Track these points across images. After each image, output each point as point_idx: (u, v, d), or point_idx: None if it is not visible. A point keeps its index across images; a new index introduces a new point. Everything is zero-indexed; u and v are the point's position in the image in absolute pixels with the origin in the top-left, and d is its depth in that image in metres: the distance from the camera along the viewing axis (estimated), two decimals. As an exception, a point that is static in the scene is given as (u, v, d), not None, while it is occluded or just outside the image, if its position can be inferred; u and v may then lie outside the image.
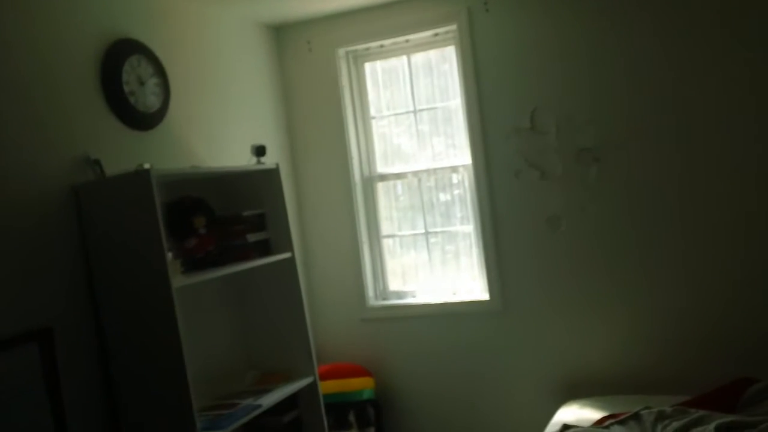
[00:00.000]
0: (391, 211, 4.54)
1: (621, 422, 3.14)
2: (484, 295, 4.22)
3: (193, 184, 3.50)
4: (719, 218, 3.68)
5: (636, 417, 3.15)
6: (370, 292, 4.47)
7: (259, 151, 3.63)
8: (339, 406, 4.13)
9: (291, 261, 3.72)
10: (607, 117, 3.84)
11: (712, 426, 2.84)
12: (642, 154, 3.79)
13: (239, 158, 3.82)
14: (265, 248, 3.67)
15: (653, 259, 3.81)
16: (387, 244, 4.54)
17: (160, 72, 3.43)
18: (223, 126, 3.90)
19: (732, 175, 3.64)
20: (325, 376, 4.12)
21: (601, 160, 3.87)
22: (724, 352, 3.66)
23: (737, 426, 2.82)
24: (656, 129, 3.75)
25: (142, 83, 3.30)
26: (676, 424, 2.97)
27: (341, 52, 4.39)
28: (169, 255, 2.93)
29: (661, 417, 3.08)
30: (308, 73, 4.45)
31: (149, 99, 3.35)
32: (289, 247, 3.72)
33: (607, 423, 3.17)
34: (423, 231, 4.45)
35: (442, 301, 4.32)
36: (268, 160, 3.74)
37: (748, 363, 3.54)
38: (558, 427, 3.12)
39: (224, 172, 3.57)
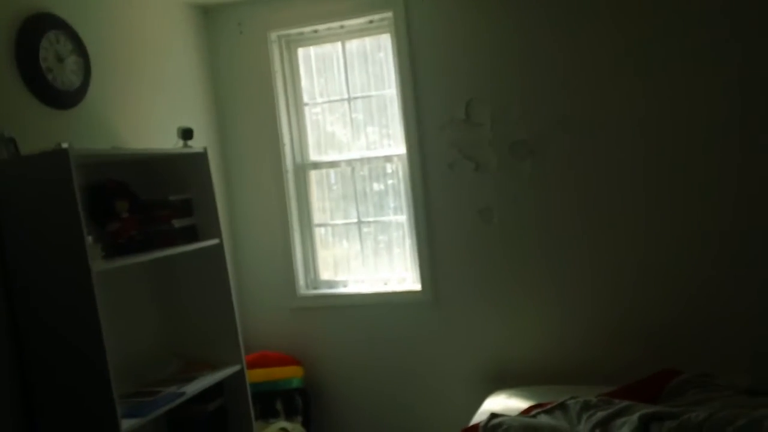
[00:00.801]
0: (324, 200, 4.48)
1: (547, 411, 3.15)
2: (416, 286, 4.20)
3: (116, 168, 3.39)
4: (649, 209, 3.72)
5: (562, 406, 3.17)
6: (301, 281, 4.41)
7: (186, 134, 3.53)
8: (267, 394, 4.06)
9: (219, 247, 3.64)
10: (542, 110, 3.85)
11: (636, 416, 2.86)
12: (575, 147, 3.81)
13: (165, 141, 3.70)
14: (191, 234, 3.57)
15: (582, 252, 3.85)
16: (319, 232, 4.48)
17: (81, 49, 3.30)
18: (148, 108, 3.78)
19: (661, 167, 3.69)
20: (253, 365, 4.05)
21: (535, 153, 3.88)
22: (649, 345, 3.71)
23: (660, 416, 2.85)
24: (589, 122, 3.78)
25: (60, 60, 3.16)
26: (601, 414, 2.99)
27: (273, 36, 4.30)
28: (89, 239, 2.82)
29: (586, 407, 3.10)
30: (239, 56, 4.35)
31: (68, 77, 3.21)
32: (216, 233, 3.63)
33: (533, 412, 3.17)
34: (356, 220, 4.40)
35: (373, 291, 4.29)
36: (196, 144, 3.64)
37: (674, 355, 3.60)
38: (485, 416, 3.12)
39: (148, 155, 3.45)
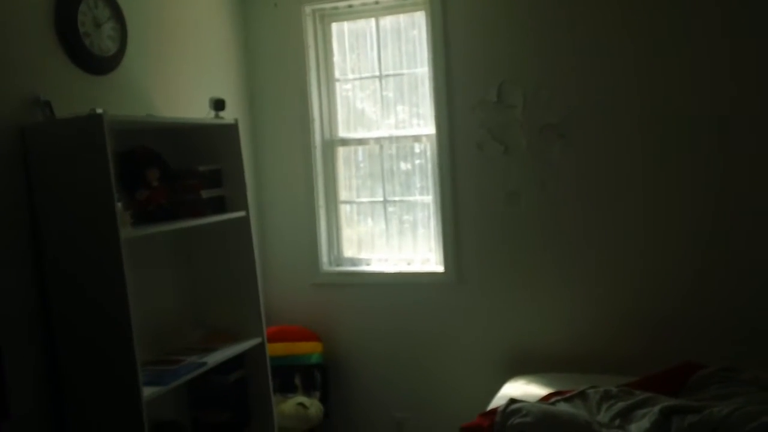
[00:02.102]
0: (351, 177, 4.47)
1: (567, 399, 3.14)
2: (439, 267, 4.19)
3: (147, 135, 3.39)
4: (679, 200, 3.68)
5: (582, 395, 3.17)
6: (324, 257, 4.41)
7: (218, 104, 3.52)
8: (285, 369, 4.09)
9: (245, 220, 3.64)
10: (575, 94, 3.81)
11: (657, 408, 2.85)
12: (607, 133, 3.78)
13: (197, 111, 3.69)
14: (219, 205, 3.58)
15: (610, 240, 3.82)
16: (344, 209, 4.48)
17: (118, 16, 3.29)
18: (181, 77, 3.78)
19: (695, 156, 3.64)
20: (273, 339, 4.07)
21: (565, 137, 3.85)
22: (674, 337, 3.69)
23: (681, 409, 2.84)
24: (622, 109, 3.74)
25: (98, 26, 3.16)
26: (621, 405, 2.98)
27: (308, 9, 4.27)
28: (119, 205, 2.84)
29: (606, 397, 3.10)
30: (273, 29, 4.33)
31: (105, 43, 3.21)
32: (243, 205, 3.63)
33: (553, 399, 3.17)
34: (381, 199, 4.39)
35: (396, 271, 4.29)
36: (227, 115, 3.63)
37: (698, 348, 3.57)
38: (504, 401, 3.11)
39: (181, 123, 3.44)
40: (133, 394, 2.84)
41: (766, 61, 3.49)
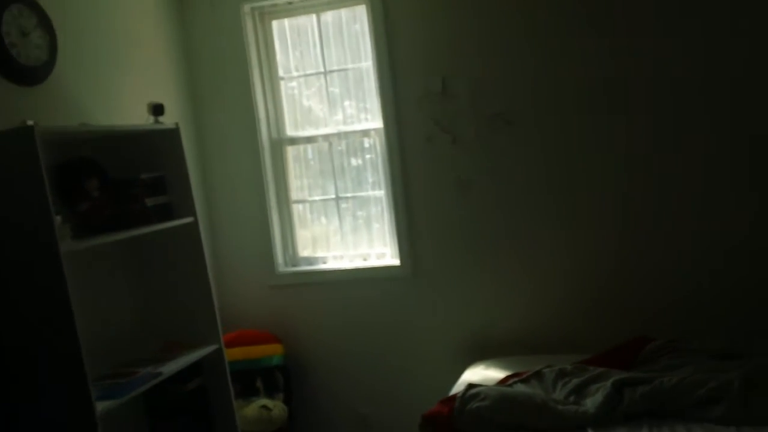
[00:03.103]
0: (302, 176, 4.44)
1: (524, 380, 3.20)
2: (394, 261, 4.19)
3: (86, 146, 3.33)
4: (625, 180, 3.72)
5: (538, 375, 3.22)
6: (280, 258, 4.38)
7: (157, 109, 3.47)
8: (246, 372, 4.05)
9: (194, 226, 3.59)
10: (519, 82, 3.83)
11: (609, 382, 2.92)
12: (551, 118, 3.80)
13: (137, 118, 3.63)
14: (165, 212, 3.53)
15: (560, 223, 3.84)
16: (297, 209, 4.45)
17: (46, 24, 3.22)
18: (118, 83, 3.71)
19: (640, 140, 3.68)
20: (232, 343, 4.03)
21: (512, 125, 3.85)
22: (624, 313, 3.74)
23: (633, 382, 2.91)
24: (567, 95, 3.76)
25: (24, 35, 3.09)
26: (576, 381, 3.04)
27: (247, 8, 4.22)
28: (58, 218, 2.78)
29: (561, 375, 3.16)
30: (212, 29, 4.28)
31: (33, 52, 3.14)
32: (191, 211, 3.58)
33: (510, 381, 3.22)
34: (334, 196, 4.37)
35: (352, 267, 4.27)
36: (168, 120, 3.58)
37: (647, 322, 3.63)
38: (463, 386, 3.13)
39: (118, 131, 3.39)
40: (86, 409, 2.79)
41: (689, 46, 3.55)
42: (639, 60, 3.63)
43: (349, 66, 4.26)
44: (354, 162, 4.33)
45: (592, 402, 2.85)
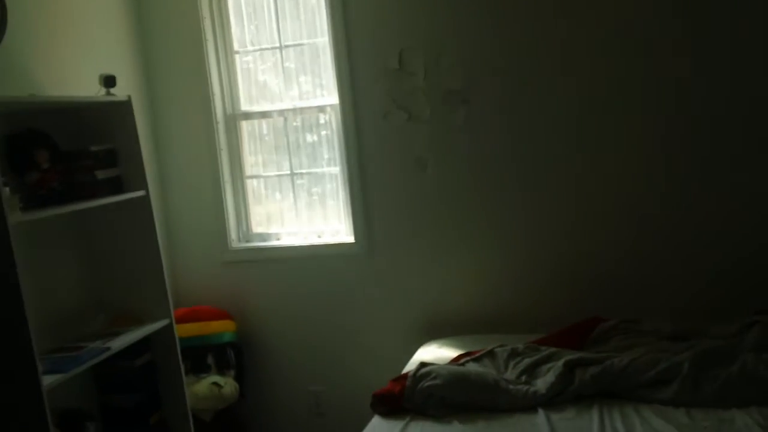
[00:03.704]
0: (256, 151, 4.40)
1: (476, 359, 3.21)
2: (349, 238, 4.17)
3: (36, 117, 3.25)
4: (582, 158, 3.74)
5: (490, 354, 3.24)
6: (233, 234, 4.34)
7: (108, 81, 3.39)
8: (197, 349, 4.00)
9: (145, 199, 3.54)
10: (475, 59, 3.81)
11: (561, 362, 2.94)
12: (508, 95, 3.79)
13: (88, 90, 3.54)
14: (116, 186, 3.47)
15: (516, 201, 3.86)
16: (251, 184, 4.41)
17: (-5, -8, 3.12)
18: (69, 55, 3.62)
19: (593, 114, 3.70)
20: (183, 319, 3.99)
21: (469, 102, 3.86)
22: (578, 293, 3.76)
23: (584, 362, 2.94)
24: (524, 71, 3.76)
25: (-28, 2, 3.00)
26: (527, 361, 3.07)
27: (202, -21, 4.16)
28: (6, 190, 2.72)
29: (513, 354, 3.18)
30: (166, 1, 4.19)
31: (-20, 21, 3.05)
32: (142, 184, 3.53)
33: (462, 360, 3.23)
34: (289, 172, 4.34)
35: (307, 244, 4.25)
36: (120, 92, 3.50)
37: (601, 303, 3.66)
38: (415, 365, 3.14)
39: (68, 103, 3.31)
40: (32, 383, 2.73)
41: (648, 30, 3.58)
42: (601, 39, 3.64)
43: (305, 41, 4.21)
44: (309, 138, 4.30)
45: (543, 382, 2.89)
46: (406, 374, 3.09)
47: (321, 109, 4.21)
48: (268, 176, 4.38)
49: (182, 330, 3.85)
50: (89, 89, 3.53)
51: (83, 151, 3.33)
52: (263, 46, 4.28)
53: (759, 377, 2.68)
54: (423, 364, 3.11)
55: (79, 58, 3.69)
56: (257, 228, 4.42)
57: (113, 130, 3.50)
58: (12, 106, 3.06)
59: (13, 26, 3.21)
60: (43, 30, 3.47)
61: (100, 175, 3.35)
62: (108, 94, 3.43)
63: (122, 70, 3.93)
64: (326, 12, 4.04)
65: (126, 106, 3.48)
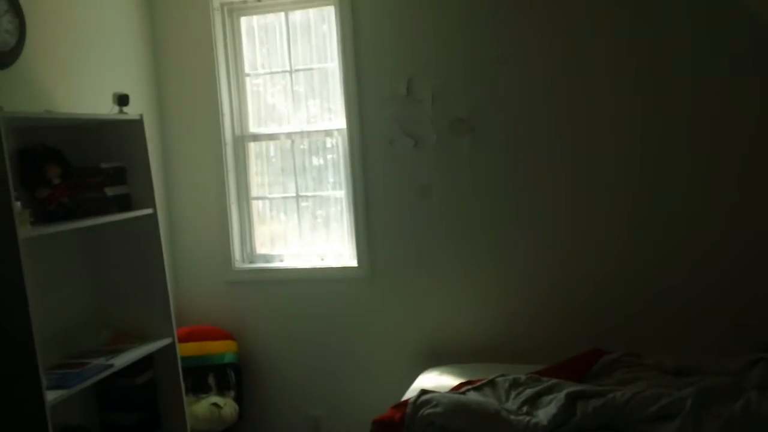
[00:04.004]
0: (263, 172, 4.43)
1: (477, 388, 3.20)
2: (352, 262, 4.19)
3: (49, 132, 3.28)
4: (587, 193, 3.78)
5: (492, 384, 3.23)
6: (237, 254, 4.36)
7: (122, 100, 3.43)
8: (198, 369, 4.01)
9: (152, 217, 3.57)
10: (484, 88, 3.87)
11: (563, 393, 2.93)
12: (513, 126, 3.85)
13: (101, 107, 3.59)
14: (124, 203, 3.50)
15: (520, 233, 3.89)
16: (256, 205, 4.43)
17: (16, 9, 3.16)
18: (84, 72, 3.66)
19: (605, 150, 3.74)
20: (185, 338, 4.00)
21: (474, 131, 3.90)
22: (581, 326, 3.79)
23: (586, 394, 2.93)
24: (530, 101, 3.81)
25: (-6, 19, 3.04)
26: (529, 391, 3.06)
27: (216, 3, 4.21)
28: (18, 204, 2.73)
29: (515, 384, 3.17)
30: (181, 23, 4.24)
31: (2, 36, 3.08)
32: (150, 203, 3.56)
33: (463, 389, 3.22)
34: (294, 194, 4.37)
35: (310, 267, 4.26)
36: (132, 111, 3.54)
37: (603, 336, 3.68)
38: (416, 392, 3.14)
39: (82, 120, 3.34)
40: (36, 398, 2.74)
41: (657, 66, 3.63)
42: (606, 76, 3.71)
43: (315, 66, 4.26)
44: (315, 161, 4.34)
45: (544, 413, 2.88)
46: (407, 401, 3.08)
47: (328, 132, 4.25)
48: (273, 198, 4.41)
49: (183, 349, 3.85)
50: (101, 107, 3.57)
51: (94, 168, 3.36)
52: (274, 70, 4.33)
53: (763, 416, 2.65)
54: (424, 391, 3.10)
55: (94, 75, 3.73)
56: (261, 249, 4.44)
57: (124, 148, 3.53)
58: (27, 121, 3.09)
59: (31, 43, 3.27)
60: (59, 48, 3.51)
61: (110, 192, 3.38)
62: (121, 112, 3.46)
63: (135, 89, 3.97)
64: (337, 38, 4.09)
65: (138, 124, 3.52)
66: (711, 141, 3.59)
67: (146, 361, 3.55)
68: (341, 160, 4.23)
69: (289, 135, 4.32)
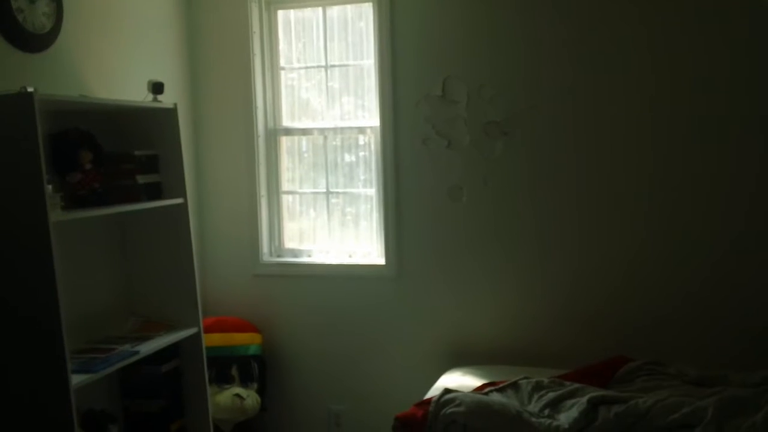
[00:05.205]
0: (294, 167, 4.44)
1: (500, 390, 3.20)
2: (380, 260, 4.19)
3: (82, 117, 3.30)
4: (616, 200, 3.75)
5: (514, 386, 3.23)
6: (265, 247, 4.37)
7: (157, 88, 3.45)
8: (223, 359, 4.02)
9: (183, 207, 3.58)
10: (519, 92, 3.84)
11: (585, 398, 2.93)
12: (548, 132, 3.82)
13: (135, 94, 3.60)
14: (155, 191, 3.51)
15: (548, 237, 3.86)
16: (286, 200, 4.44)
17: (54, -8, 3.20)
18: (120, 58, 3.69)
19: (631, 157, 3.71)
20: (210, 329, 4.01)
21: (507, 135, 3.87)
22: (606, 332, 3.75)
23: (609, 400, 2.93)
24: (565, 108, 3.78)
25: (32, 2, 3.06)
26: (551, 395, 3.05)
27: (254, -5, 4.23)
28: (49, 188, 2.75)
29: (538, 387, 3.17)
30: (217, 13, 4.26)
31: (39, 19, 3.11)
32: (181, 192, 3.57)
33: (486, 390, 3.22)
34: (324, 190, 4.37)
35: (337, 263, 4.26)
36: (167, 100, 3.56)
37: (627, 343, 3.66)
38: (439, 391, 3.14)
39: (116, 106, 3.36)
40: (61, 381, 2.76)
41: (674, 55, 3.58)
42: (641, 78, 3.67)
43: (351, 62, 4.26)
44: (347, 158, 4.33)
45: (566, 417, 2.87)
46: (430, 399, 3.09)
47: (361, 130, 4.24)
48: (303, 193, 4.42)
49: (208, 340, 3.86)
50: (136, 94, 3.59)
51: (126, 155, 3.38)
52: (309, 64, 4.34)
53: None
54: (447, 390, 3.10)
55: (129, 62, 3.76)
56: (289, 243, 4.45)
57: (157, 136, 3.54)
58: (61, 105, 3.12)
59: (67, 27, 3.30)
60: (96, 33, 3.54)
61: (141, 179, 3.40)
62: (155, 100, 3.48)
63: (170, 77, 3.99)
64: (374, 35, 4.09)
65: (172, 113, 3.53)
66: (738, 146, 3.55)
67: (172, 350, 3.56)
68: (373, 158, 4.23)
69: (321, 131, 4.32)
